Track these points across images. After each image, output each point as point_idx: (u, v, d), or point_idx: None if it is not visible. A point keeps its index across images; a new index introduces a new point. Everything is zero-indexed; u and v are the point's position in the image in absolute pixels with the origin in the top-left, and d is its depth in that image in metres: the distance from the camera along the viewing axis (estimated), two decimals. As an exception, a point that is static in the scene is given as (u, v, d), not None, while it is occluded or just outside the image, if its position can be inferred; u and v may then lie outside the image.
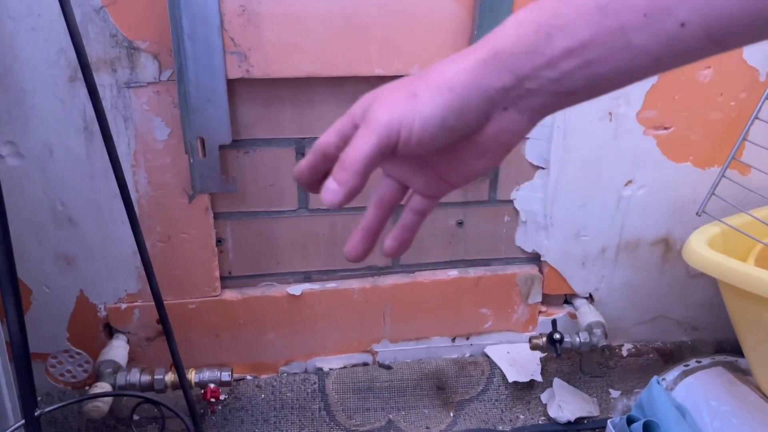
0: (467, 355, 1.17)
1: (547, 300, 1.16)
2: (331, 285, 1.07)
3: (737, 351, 1.06)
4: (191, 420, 0.91)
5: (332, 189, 0.32)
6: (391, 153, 0.33)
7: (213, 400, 0.99)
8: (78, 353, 1.02)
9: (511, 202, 1.07)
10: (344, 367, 1.12)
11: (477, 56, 0.31)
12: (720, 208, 0.98)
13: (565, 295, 1.17)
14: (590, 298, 1.16)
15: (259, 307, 1.05)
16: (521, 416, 1.12)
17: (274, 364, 1.11)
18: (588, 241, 1.10)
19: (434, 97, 0.31)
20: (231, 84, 0.89)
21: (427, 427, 1.09)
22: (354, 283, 1.07)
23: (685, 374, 1.09)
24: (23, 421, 0.68)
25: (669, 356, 1.20)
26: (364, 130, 0.32)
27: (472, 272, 1.10)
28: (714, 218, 0.97)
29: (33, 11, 0.80)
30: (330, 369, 1.12)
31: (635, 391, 1.16)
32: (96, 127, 0.86)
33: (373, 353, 1.13)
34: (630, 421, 0.90)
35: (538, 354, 1.14)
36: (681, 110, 1.01)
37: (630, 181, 1.06)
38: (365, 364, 1.13)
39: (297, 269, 1.06)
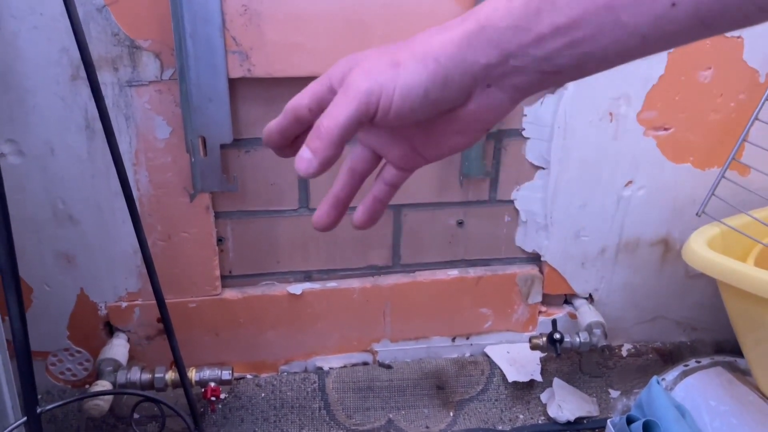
0: (467, 354, 1.17)
1: (547, 300, 1.16)
2: (331, 284, 1.07)
3: (736, 351, 1.06)
4: (191, 418, 0.91)
5: (306, 158, 0.31)
6: (368, 122, 0.31)
7: (213, 398, 0.99)
8: (78, 351, 1.02)
9: (511, 202, 1.07)
10: (344, 367, 1.12)
11: (464, 27, 0.30)
12: (720, 209, 0.98)
13: (565, 295, 1.17)
14: (590, 298, 1.16)
15: (260, 306, 1.05)
16: (521, 416, 1.12)
17: (274, 363, 1.11)
18: (588, 242, 1.10)
19: (417, 68, 0.30)
20: (232, 83, 0.89)
21: (427, 427, 1.09)
22: (354, 283, 1.07)
23: (684, 374, 1.09)
24: (24, 418, 0.68)
25: (668, 356, 1.20)
26: (342, 97, 0.31)
27: (472, 272, 1.11)
28: (714, 219, 0.97)
29: (35, 10, 0.80)
30: (330, 368, 1.12)
31: (635, 391, 1.16)
32: (97, 125, 0.86)
33: (373, 353, 1.14)
34: (630, 420, 0.90)
35: (538, 354, 1.14)
36: (681, 111, 1.02)
37: (630, 182, 1.06)
38: (365, 364, 1.13)
39: (297, 268, 1.06)
